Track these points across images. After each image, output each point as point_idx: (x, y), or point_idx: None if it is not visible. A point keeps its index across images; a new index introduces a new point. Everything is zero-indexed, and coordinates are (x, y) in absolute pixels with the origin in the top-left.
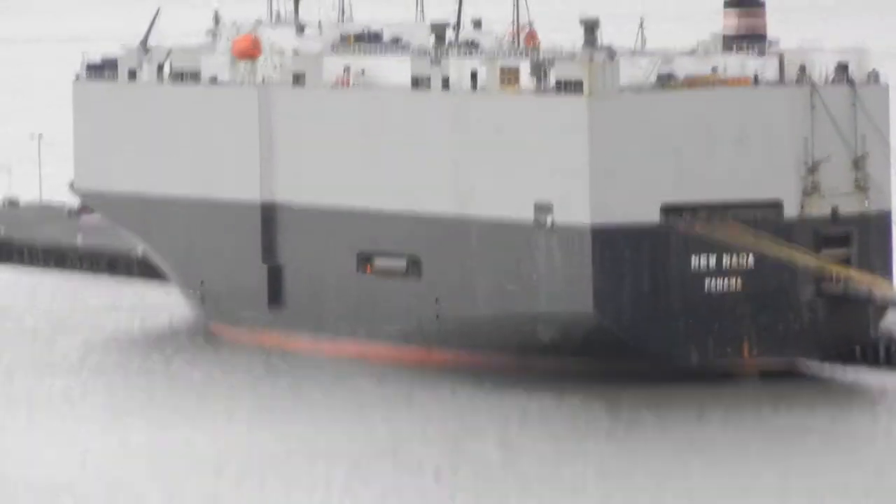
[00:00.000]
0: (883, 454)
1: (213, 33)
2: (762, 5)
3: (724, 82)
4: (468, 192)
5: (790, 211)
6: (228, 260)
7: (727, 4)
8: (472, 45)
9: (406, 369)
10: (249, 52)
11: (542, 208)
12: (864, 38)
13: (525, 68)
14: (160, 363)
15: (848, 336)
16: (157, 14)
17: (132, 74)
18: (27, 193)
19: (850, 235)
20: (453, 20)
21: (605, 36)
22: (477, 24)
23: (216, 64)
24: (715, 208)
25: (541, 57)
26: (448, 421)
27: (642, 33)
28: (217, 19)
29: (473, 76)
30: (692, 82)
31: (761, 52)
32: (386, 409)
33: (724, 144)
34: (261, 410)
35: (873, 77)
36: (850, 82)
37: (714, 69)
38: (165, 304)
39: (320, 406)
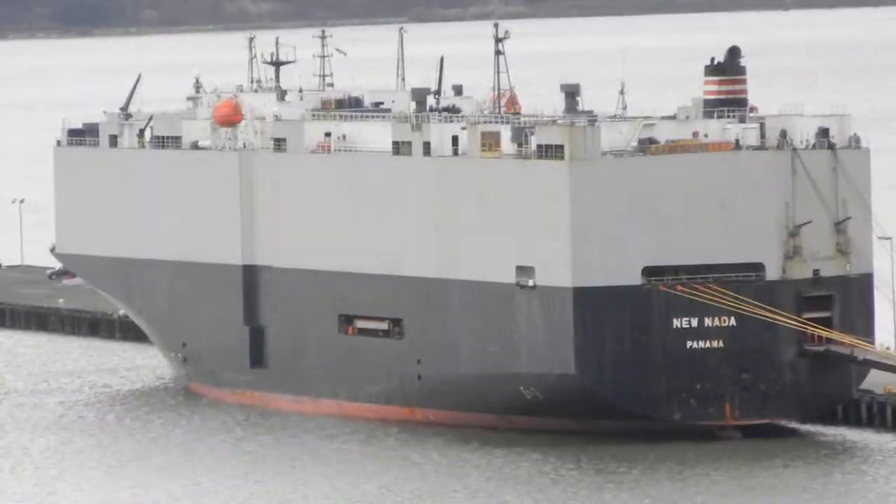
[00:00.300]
0: None
1: (195, 99)
2: (743, 71)
3: (706, 147)
4: (450, 255)
5: (772, 273)
6: (210, 321)
7: (708, 70)
8: (453, 111)
9: (389, 428)
10: (230, 117)
11: (524, 270)
12: (845, 102)
13: (506, 133)
14: (142, 423)
15: (830, 396)
16: (138, 80)
17: (113, 140)
18: (9, 257)
19: (832, 297)
20: (434, 86)
21: (585, 101)
22: (457, 89)
23: (197, 129)
24: (696, 270)
25: (522, 122)
26: (430, 478)
27: (623, 98)
28: (198, 86)
29: (454, 141)
30: (673, 147)
31: (742, 118)
32: (370, 467)
33: (705, 208)
34: (244, 468)
35: (854, 141)
36: (832, 147)
37: (695, 134)
38: (147, 365)
39: (303, 463)
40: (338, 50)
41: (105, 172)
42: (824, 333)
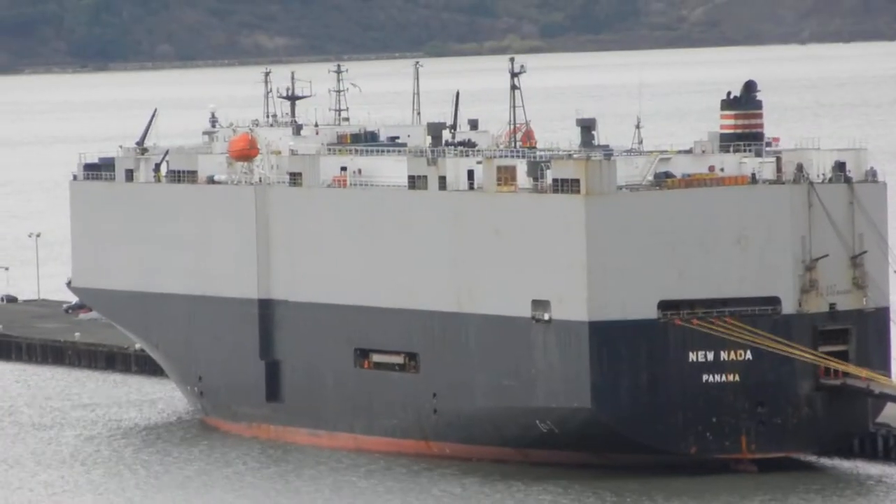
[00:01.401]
0: None
1: (210, 134)
2: (759, 105)
3: (722, 181)
4: (466, 289)
5: (788, 307)
6: (226, 355)
7: (724, 105)
8: (468, 145)
9: (405, 462)
10: (246, 152)
11: (540, 304)
12: (862, 136)
13: (522, 167)
14: (159, 456)
15: (846, 430)
16: (154, 115)
17: (129, 174)
18: (26, 291)
19: (849, 331)
20: (450, 120)
21: (601, 135)
22: (473, 124)
23: (213, 164)
24: (712, 304)
25: (537, 156)
26: None
27: (639, 132)
28: (214, 120)
29: (470, 175)
30: (689, 181)
31: (759, 152)
32: (385, 500)
33: (721, 242)
34: (262, 501)
35: (871, 175)
36: (848, 180)
37: (711, 168)
38: (163, 398)
39: (318, 497)
40: (353, 84)
41: (121, 207)
42: (841, 367)
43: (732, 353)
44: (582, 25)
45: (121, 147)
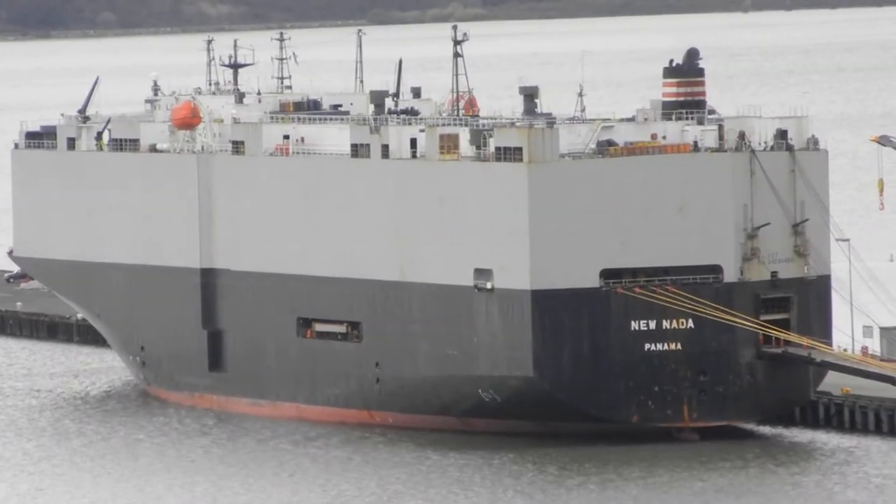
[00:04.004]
0: None
1: (153, 102)
2: (701, 73)
3: (664, 149)
4: (408, 257)
5: (730, 276)
6: (168, 325)
7: (666, 72)
8: (411, 113)
9: (347, 431)
10: (188, 120)
11: (483, 273)
12: (803, 104)
13: (465, 136)
14: (101, 427)
15: (788, 398)
16: (95, 83)
17: (71, 143)
18: None
19: (790, 299)
20: (392, 88)
21: (544, 103)
22: (416, 92)
23: (155, 132)
24: (654, 273)
25: (480, 124)
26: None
27: (581, 101)
28: (156, 88)
29: (413, 144)
30: (632, 149)
31: (701, 120)
32: (326, 469)
33: (663, 210)
34: (209, 471)
35: (812, 143)
36: (790, 148)
37: (654, 136)
38: (105, 369)
39: (258, 466)
40: (293, 53)
41: (63, 175)
42: (782, 335)
43: (674, 321)
44: None
45: (62, 115)
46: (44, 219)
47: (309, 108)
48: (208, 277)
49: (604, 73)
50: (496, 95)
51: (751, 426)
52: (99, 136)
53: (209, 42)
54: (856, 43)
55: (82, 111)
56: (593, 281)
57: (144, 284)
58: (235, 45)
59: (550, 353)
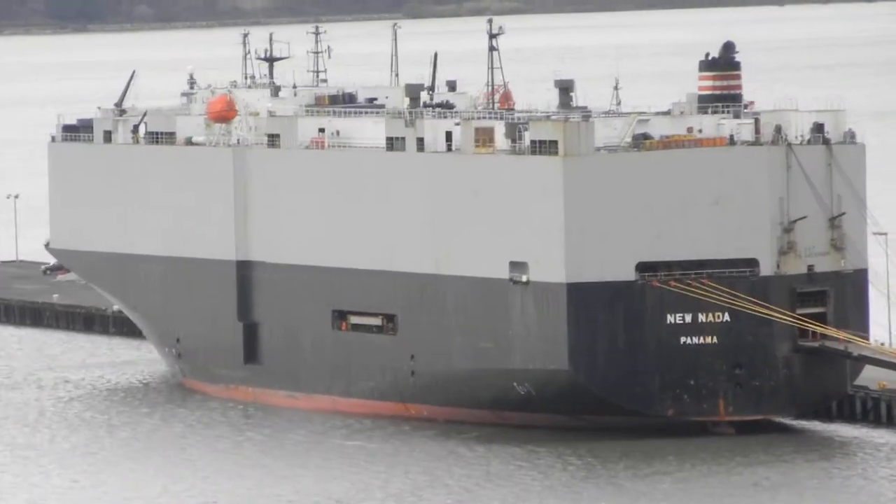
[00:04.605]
0: None
1: (189, 95)
2: (737, 66)
3: (700, 143)
4: (444, 251)
5: (766, 269)
6: (204, 317)
7: (702, 66)
8: (446, 107)
9: (382, 424)
10: (224, 113)
11: (518, 266)
12: (840, 98)
13: (500, 129)
14: (137, 418)
15: (824, 392)
16: (132, 76)
17: (108, 136)
18: (4, 252)
19: (827, 293)
20: (428, 82)
21: (579, 97)
22: (451, 85)
23: (191, 125)
24: (690, 266)
25: (516, 118)
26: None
27: (617, 94)
28: (192, 82)
29: (448, 137)
30: (667, 143)
31: (737, 113)
32: (366, 461)
33: (699, 204)
34: (243, 463)
35: (849, 137)
36: (826, 142)
37: (689, 130)
38: (141, 360)
39: (299, 458)
40: (329, 47)
41: (99, 168)
42: (819, 329)
43: (710, 315)
44: None
45: (99, 108)
46: (80, 211)
47: (344, 102)
48: (244, 270)
49: (639, 67)
50: (532, 89)
51: (787, 420)
52: (135, 129)
53: (245, 36)
54: (893, 35)
55: (119, 104)
56: (629, 274)
57: (180, 277)
58: (271, 39)
59: (586, 347)
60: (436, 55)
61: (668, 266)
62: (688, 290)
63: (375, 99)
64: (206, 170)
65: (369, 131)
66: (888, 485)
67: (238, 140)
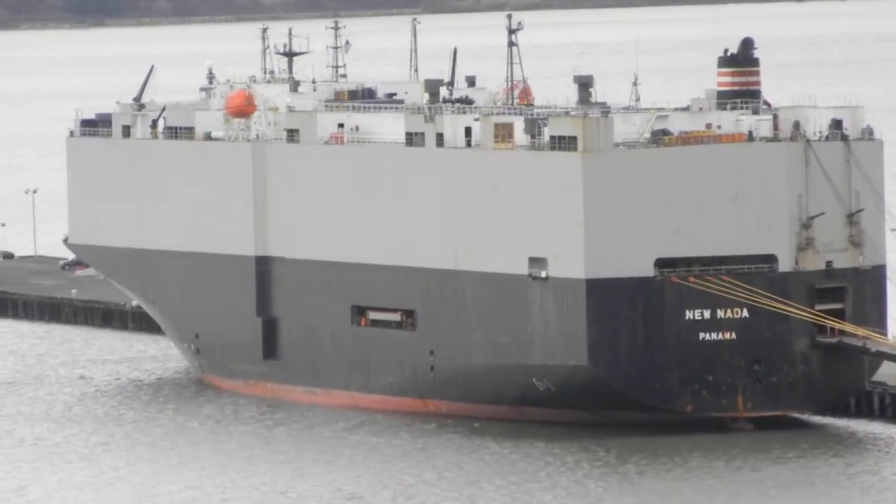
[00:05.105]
0: None
1: (208, 90)
2: (756, 62)
3: (719, 139)
4: (463, 246)
5: (784, 265)
6: (223, 313)
7: (721, 62)
8: (466, 102)
9: (401, 420)
10: (243, 108)
11: (537, 262)
12: (858, 94)
13: (519, 125)
14: (155, 413)
15: (842, 388)
16: (151, 71)
17: (126, 130)
18: (22, 248)
19: (845, 289)
20: (447, 77)
21: (598, 92)
22: (471, 81)
23: (210, 120)
24: (709, 262)
25: (535, 113)
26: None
27: (636, 90)
28: (211, 76)
29: (467, 132)
30: (686, 139)
31: (756, 110)
32: (392, 458)
33: (718, 200)
34: (263, 458)
35: (867, 133)
36: (845, 138)
37: (708, 126)
38: (160, 356)
39: (313, 453)
40: (347, 42)
41: (118, 163)
42: (837, 325)
43: (729, 311)
44: None
45: (118, 103)
46: (99, 206)
47: (363, 97)
48: (263, 265)
49: (658, 63)
50: (551, 84)
51: (805, 416)
52: (154, 123)
53: (264, 30)
54: None
55: (137, 99)
56: (648, 270)
57: (199, 272)
58: (290, 34)
59: (605, 342)
60: (455, 50)
61: (688, 262)
62: (707, 286)
63: (395, 94)
64: (224, 165)
65: (388, 126)
66: None
67: (257, 135)
